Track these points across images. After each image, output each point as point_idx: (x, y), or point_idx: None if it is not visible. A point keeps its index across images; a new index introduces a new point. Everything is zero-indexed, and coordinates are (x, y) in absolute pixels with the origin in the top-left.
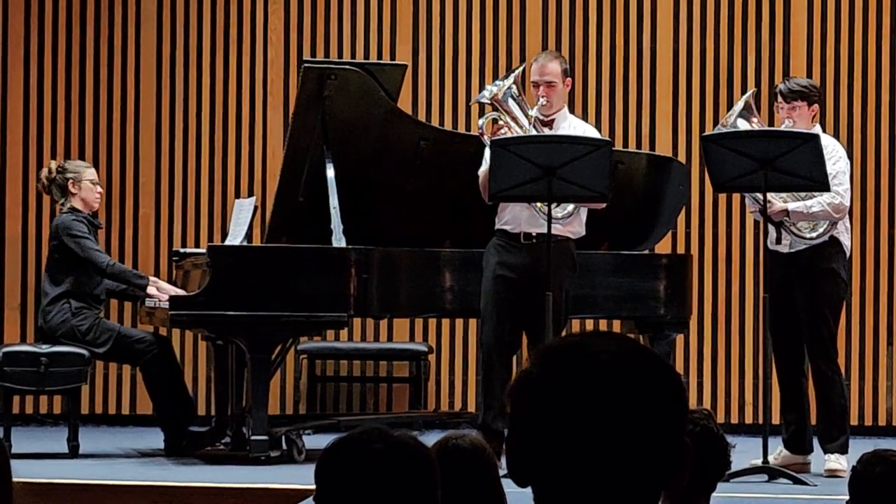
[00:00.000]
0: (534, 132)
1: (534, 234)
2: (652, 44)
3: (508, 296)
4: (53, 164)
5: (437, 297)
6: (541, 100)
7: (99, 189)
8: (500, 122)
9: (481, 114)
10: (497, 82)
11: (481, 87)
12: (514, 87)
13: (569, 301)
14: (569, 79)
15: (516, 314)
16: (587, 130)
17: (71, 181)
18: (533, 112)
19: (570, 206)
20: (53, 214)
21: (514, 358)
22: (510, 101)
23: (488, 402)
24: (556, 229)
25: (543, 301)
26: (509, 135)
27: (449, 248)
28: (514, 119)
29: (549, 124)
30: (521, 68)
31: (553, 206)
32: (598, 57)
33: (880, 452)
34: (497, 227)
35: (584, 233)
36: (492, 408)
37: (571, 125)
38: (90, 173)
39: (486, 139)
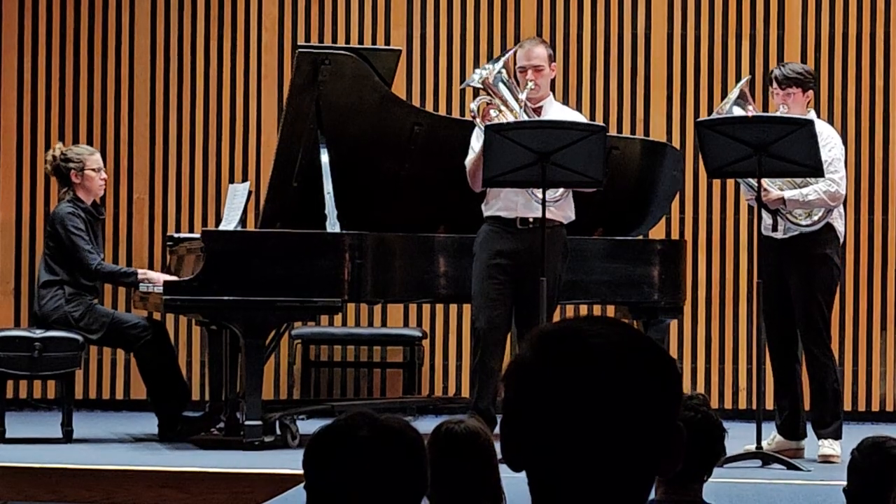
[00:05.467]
0: (525, 116)
1: (530, 218)
2: (646, 29)
3: (503, 281)
4: (58, 150)
5: (431, 282)
6: (530, 84)
7: (103, 175)
8: (492, 106)
9: (474, 98)
10: (486, 66)
11: None
12: (503, 71)
13: (560, 286)
14: (554, 64)
15: (509, 299)
16: (576, 117)
17: (73, 171)
18: (522, 96)
19: (560, 189)
20: (48, 199)
21: (508, 341)
22: (500, 85)
23: (482, 386)
24: (551, 213)
25: (536, 286)
26: (502, 119)
27: (443, 233)
28: (505, 103)
29: (538, 111)
30: (509, 52)
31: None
32: (592, 42)
33: (879, 442)
34: (488, 213)
35: (574, 217)
36: (486, 392)
37: (560, 112)
38: (93, 161)
39: (479, 123)
